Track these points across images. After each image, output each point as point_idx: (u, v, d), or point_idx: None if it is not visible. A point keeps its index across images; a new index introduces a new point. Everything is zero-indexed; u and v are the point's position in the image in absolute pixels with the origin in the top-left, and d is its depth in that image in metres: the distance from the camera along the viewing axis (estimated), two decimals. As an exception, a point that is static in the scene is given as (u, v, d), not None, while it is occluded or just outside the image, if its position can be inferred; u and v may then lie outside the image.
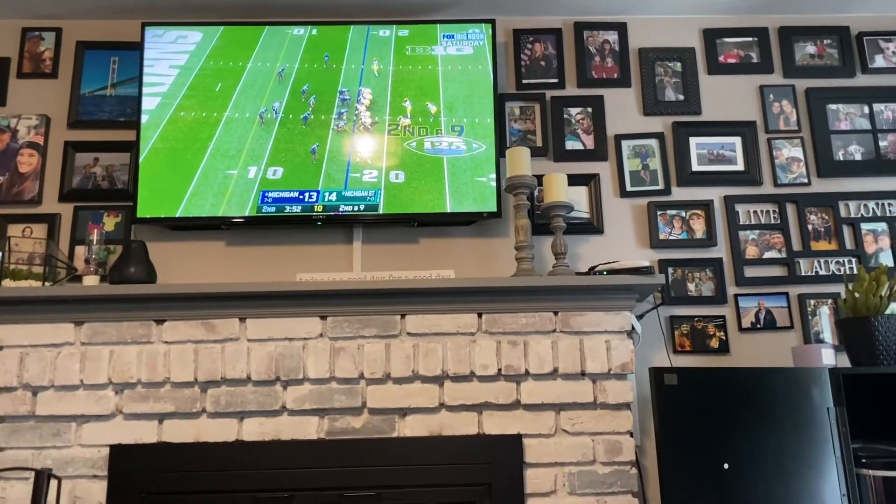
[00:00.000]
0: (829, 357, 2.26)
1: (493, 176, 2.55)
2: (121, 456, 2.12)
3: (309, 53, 2.64)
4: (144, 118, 2.53)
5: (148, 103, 2.54)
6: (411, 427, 2.17)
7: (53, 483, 2.06)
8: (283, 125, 2.56)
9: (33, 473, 2.04)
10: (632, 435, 2.18)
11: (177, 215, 2.47)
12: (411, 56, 2.66)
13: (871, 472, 2.02)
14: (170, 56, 2.61)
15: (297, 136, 2.55)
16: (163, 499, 2.13)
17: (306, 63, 2.63)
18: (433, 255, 2.63)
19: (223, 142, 2.54)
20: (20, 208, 2.60)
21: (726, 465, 2.04)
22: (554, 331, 2.23)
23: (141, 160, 2.49)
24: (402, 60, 2.65)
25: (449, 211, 2.51)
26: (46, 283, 2.29)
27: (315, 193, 2.50)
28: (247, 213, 2.47)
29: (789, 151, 2.78)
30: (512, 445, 2.15)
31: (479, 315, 2.23)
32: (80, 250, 2.54)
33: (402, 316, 2.22)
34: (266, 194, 2.49)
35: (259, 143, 2.54)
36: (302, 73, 2.62)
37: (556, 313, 2.24)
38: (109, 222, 2.58)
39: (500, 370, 2.19)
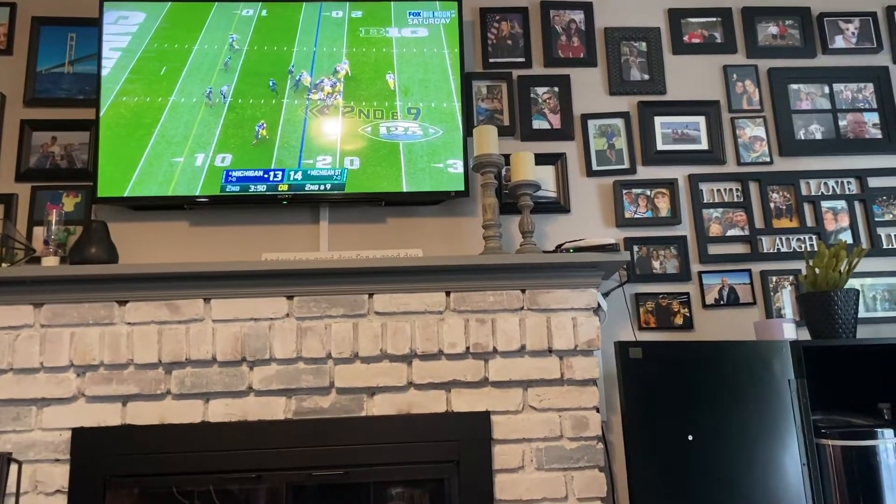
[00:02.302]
0: (790, 331, 2.31)
1: (452, 161, 2.54)
2: (83, 439, 2.08)
3: (259, 35, 2.58)
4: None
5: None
6: (380, 406, 2.16)
7: (14, 467, 2.02)
8: (232, 109, 2.51)
9: (-7, 458, 2.00)
10: (598, 410, 2.20)
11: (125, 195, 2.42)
12: (365, 38, 2.62)
13: (830, 441, 2.07)
14: (111, 38, 2.53)
15: (247, 121, 2.51)
16: (127, 482, 2.10)
17: (255, 45, 2.57)
18: (401, 234, 2.62)
19: (168, 128, 2.48)
20: (-25, 189, 2.54)
21: (690, 437, 2.07)
22: (521, 308, 2.24)
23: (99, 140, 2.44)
24: (356, 42, 2.61)
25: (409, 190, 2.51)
26: (4, 265, 2.23)
27: (280, 172, 2.47)
28: (205, 192, 2.43)
29: (752, 131, 2.82)
30: (480, 422, 2.16)
31: (448, 293, 2.23)
32: (39, 231, 2.48)
33: (370, 295, 2.21)
34: (230, 173, 2.45)
35: (207, 128, 2.49)
36: (251, 55, 2.56)
37: (523, 291, 2.24)
38: (69, 202, 2.53)
39: (468, 348, 2.19)
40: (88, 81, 2.62)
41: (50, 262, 2.24)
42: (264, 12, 2.60)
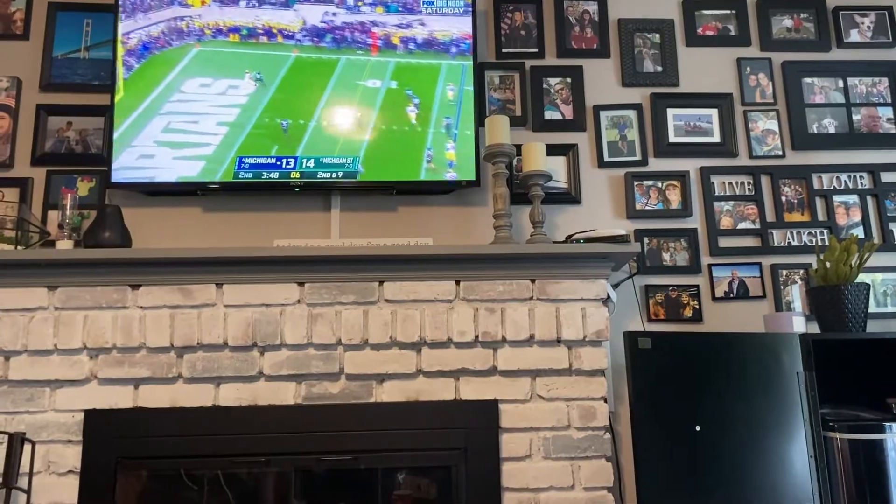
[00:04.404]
0: (799, 324, 2.31)
1: (429, 152, 2.56)
2: (96, 421, 2.10)
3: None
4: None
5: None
6: (389, 393, 2.18)
7: (27, 448, 2.05)
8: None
9: (6, 437, 2.03)
10: (606, 401, 2.21)
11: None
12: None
13: (837, 434, 2.08)
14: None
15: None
16: (138, 464, 2.13)
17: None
18: (412, 223, 2.63)
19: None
20: (-9, 172, 2.56)
21: (698, 428, 2.08)
22: (531, 298, 2.25)
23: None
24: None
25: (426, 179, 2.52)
26: (19, 248, 2.25)
27: (293, 160, 2.48)
28: (223, 179, 2.45)
29: (765, 124, 2.81)
30: (488, 411, 2.17)
31: (457, 282, 2.24)
32: (54, 215, 2.50)
33: (380, 283, 2.23)
34: (243, 160, 2.46)
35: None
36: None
37: (532, 281, 2.25)
38: (83, 187, 2.55)
39: (477, 337, 2.20)
40: (104, 67, 2.64)
41: (64, 245, 2.26)
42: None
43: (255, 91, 2.55)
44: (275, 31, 2.60)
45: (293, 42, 2.60)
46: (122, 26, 2.53)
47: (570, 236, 2.33)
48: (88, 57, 2.66)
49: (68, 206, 2.32)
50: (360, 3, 2.64)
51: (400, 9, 2.64)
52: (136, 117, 2.49)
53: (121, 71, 2.51)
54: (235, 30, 2.60)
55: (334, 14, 2.63)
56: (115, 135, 2.46)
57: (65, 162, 2.58)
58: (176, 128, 2.51)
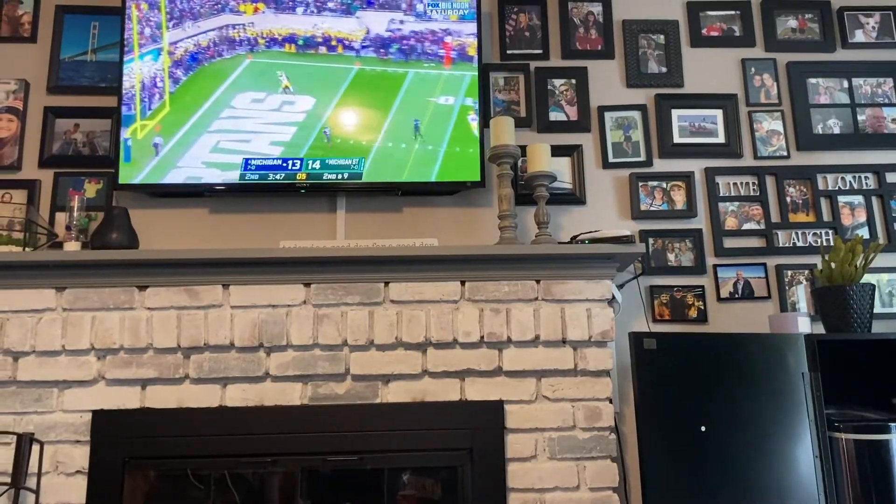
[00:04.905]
0: (804, 325, 2.31)
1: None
2: (103, 421, 2.12)
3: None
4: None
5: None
6: (394, 393, 2.19)
7: (36, 448, 2.07)
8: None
9: (15, 438, 2.04)
10: (611, 401, 2.22)
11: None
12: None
13: (843, 435, 2.08)
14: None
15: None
16: (145, 464, 2.14)
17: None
18: (417, 224, 2.64)
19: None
20: (-1, 174, 2.58)
21: (703, 429, 2.08)
22: (536, 299, 2.25)
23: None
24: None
25: (432, 180, 2.52)
26: (27, 249, 2.27)
27: (299, 161, 2.49)
28: (230, 181, 2.46)
29: (769, 124, 2.81)
30: (493, 411, 2.18)
31: (463, 283, 2.25)
32: (61, 217, 2.52)
33: (386, 284, 2.23)
34: (249, 161, 2.47)
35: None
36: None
37: (538, 281, 2.26)
38: (91, 189, 2.56)
39: (482, 337, 2.21)
40: (111, 69, 2.66)
41: (72, 247, 2.28)
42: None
43: (313, 108, 2.45)
44: (334, 41, 2.45)
45: (354, 54, 2.45)
46: (169, 35, 2.48)
47: (575, 237, 2.33)
48: (95, 59, 2.68)
49: (76, 208, 2.34)
50: (430, 11, 2.49)
51: (477, 16, 2.55)
52: (183, 135, 2.43)
53: (167, 84, 2.47)
54: (291, 39, 2.47)
55: (401, 22, 2.48)
56: (160, 154, 2.43)
57: (72, 164, 2.59)
58: (226, 147, 2.43)
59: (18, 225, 2.33)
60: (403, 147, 2.47)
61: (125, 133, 2.46)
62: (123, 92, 2.48)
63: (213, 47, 2.46)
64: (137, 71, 2.48)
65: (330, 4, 2.49)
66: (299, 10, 2.46)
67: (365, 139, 2.49)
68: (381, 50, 2.48)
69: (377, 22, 2.48)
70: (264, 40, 2.46)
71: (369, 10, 2.48)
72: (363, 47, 2.49)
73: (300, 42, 2.48)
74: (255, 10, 2.47)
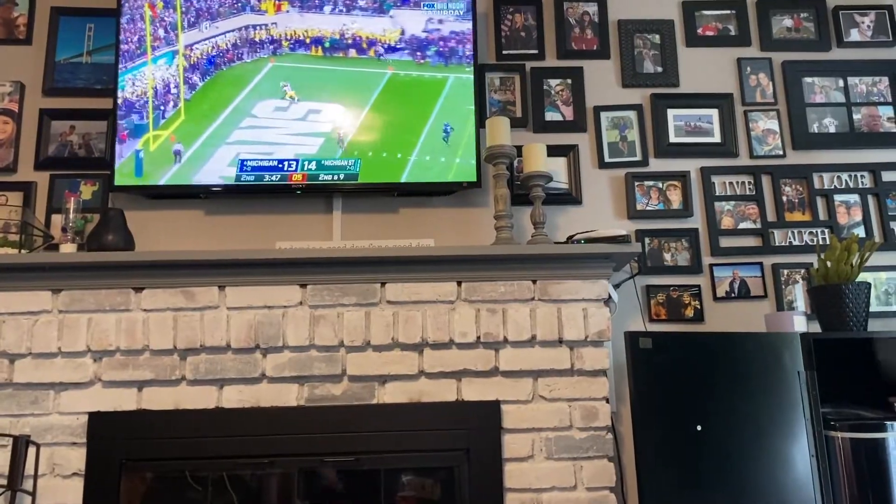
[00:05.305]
0: (800, 324, 2.31)
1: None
2: (100, 423, 2.12)
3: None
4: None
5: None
6: (391, 394, 2.19)
7: (32, 450, 2.06)
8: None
9: (11, 440, 2.04)
10: (607, 401, 2.22)
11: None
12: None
13: (839, 434, 2.08)
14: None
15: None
16: (142, 465, 2.14)
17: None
18: (413, 224, 2.64)
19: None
20: (-6, 176, 2.58)
21: (699, 428, 2.08)
22: (532, 299, 2.25)
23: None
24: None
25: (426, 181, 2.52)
26: (23, 251, 2.27)
27: (294, 162, 2.49)
28: (225, 182, 2.45)
29: (765, 124, 2.82)
30: (490, 411, 2.18)
31: (459, 283, 2.25)
32: (57, 219, 2.51)
33: (382, 284, 2.23)
34: (245, 163, 2.47)
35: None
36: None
37: (534, 282, 2.26)
38: (87, 191, 2.56)
39: (478, 338, 2.21)
40: (107, 71, 2.65)
41: (68, 249, 2.27)
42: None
43: (340, 118, 2.34)
44: (365, 43, 2.26)
45: (388, 57, 2.29)
46: (185, 37, 2.38)
47: (571, 237, 2.34)
48: (91, 61, 2.68)
49: (72, 210, 2.33)
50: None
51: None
52: (199, 146, 2.34)
53: (182, 90, 2.40)
54: (318, 41, 2.29)
55: (440, 21, 2.29)
56: (174, 168, 2.40)
57: (68, 166, 2.59)
58: (246, 160, 2.36)
59: (14, 227, 2.32)
60: (428, 159, 2.38)
61: (136, 144, 2.39)
62: (135, 99, 2.41)
63: (233, 50, 2.30)
64: (150, 76, 2.33)
65: (361, 3, 2.30)
66: (326, 8, 2.30)
67: (400, 154, 2.40)
68: (417, 52, 2.33)
69: (412, 21, 2.30)
70: (288, 42, 2.29)
71: (404, 8, 2.29)
72: (400, 49, 2.33)
73: (326, 45, 2.33)
74: (278, 8, 2.31)
